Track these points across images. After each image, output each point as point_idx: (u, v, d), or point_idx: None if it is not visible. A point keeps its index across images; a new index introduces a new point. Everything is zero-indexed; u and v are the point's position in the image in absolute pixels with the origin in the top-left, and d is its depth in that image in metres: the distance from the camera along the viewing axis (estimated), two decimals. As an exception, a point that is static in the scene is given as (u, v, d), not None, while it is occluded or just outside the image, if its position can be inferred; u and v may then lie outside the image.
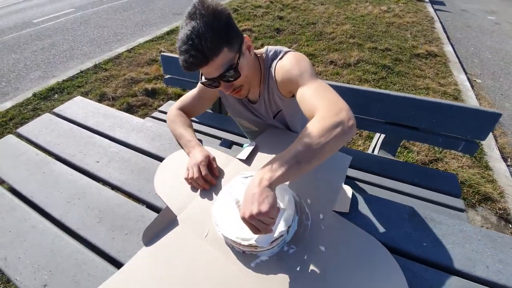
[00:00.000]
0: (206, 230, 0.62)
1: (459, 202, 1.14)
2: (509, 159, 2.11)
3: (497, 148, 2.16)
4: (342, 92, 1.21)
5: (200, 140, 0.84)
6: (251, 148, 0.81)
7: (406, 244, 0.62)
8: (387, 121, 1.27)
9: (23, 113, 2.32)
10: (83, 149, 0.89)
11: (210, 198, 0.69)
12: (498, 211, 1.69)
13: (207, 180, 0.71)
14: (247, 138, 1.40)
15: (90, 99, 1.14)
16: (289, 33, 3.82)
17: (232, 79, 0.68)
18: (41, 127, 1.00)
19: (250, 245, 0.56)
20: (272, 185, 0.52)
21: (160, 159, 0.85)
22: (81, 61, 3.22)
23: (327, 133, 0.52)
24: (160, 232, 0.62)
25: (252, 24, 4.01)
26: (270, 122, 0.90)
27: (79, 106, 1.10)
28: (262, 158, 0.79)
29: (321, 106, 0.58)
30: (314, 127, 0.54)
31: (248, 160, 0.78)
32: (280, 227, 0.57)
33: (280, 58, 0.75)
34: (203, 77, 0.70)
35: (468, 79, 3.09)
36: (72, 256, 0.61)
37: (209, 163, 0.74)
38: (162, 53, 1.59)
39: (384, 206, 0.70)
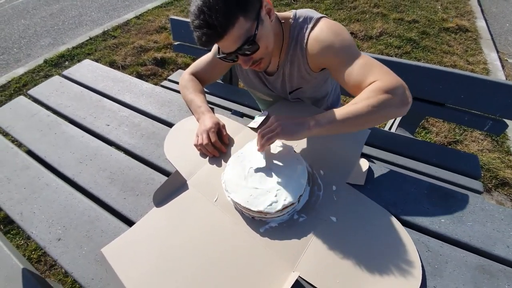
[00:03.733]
0: (216, 195, 0.62)
1: (477, 184, 1.09)
2: (535, 145, 1.98)
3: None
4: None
5: (212, 108, 0.80)
6: (263, 117, 0.78)
7: (422, 219, 0.59)
8: (409, 95, 1.19)
9: (35, 80, 2.33)
10: (93, 112, 0.88)
11: (220, 164, 0.68)
12: (514, 196, 1.63)
13: (217, 147, 0.69)
14: (258, 109, 1.35)
15: (88, 59, 1.10)
16: (307, 1, 3.53)
17: (250, 53, 0.60)
18: (51, 89, 0.99)
19: (259, 211, 0.55)
20: (311, 130, 0.56)
21: (170, 125, 0.83)
22: (90, 28, 3.14)
23: (379, 108, 0.53)
24: (170, 194, 0.62)
25: (267, -9, 3.73)
26: (283, 96, 0.84)
27: (88, 70, 1.08)
28: None
29: (376, 78, 0.57)
30: (369, 100, 0.54)
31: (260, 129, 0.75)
32: (291, 196, 0.56)
33: (312, 27, 0.65)
34: (220, 51, 0.63)
35: (500, 58, 2.83)
36: (85, 213, 0.62)
37: (219, 130, 0.71)
38: (171, 17, 1.50)
39: (403, 181, 0.66)
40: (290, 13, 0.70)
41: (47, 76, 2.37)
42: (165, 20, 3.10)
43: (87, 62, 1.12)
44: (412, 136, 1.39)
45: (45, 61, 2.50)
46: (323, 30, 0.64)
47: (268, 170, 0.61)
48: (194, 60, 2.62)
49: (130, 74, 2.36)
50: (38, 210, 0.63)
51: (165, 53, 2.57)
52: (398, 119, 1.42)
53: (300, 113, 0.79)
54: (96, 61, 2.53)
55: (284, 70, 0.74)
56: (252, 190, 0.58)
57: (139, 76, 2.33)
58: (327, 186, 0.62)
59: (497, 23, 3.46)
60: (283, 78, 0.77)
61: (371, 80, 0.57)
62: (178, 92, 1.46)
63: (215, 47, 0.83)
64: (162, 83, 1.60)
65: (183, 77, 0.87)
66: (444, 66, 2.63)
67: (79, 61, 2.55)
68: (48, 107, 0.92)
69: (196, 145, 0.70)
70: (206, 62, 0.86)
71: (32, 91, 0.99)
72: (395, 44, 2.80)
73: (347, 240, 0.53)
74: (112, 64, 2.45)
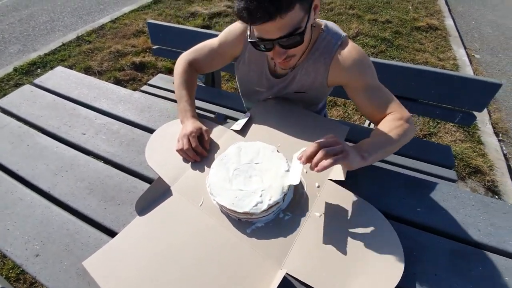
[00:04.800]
0: (201, 199, 0.61)
1: (451, 173, 1.16)
2: (500, 134, 2.14)
3: (490, 123, 2.18)
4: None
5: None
6: (246, 119, 0.78)
7: (400, 209, 0.63)
8: (385, 93, 1.24)
9: (4, 89, 2.20)
10: (68, 121, 0.85)
11: (203, 169, 0.68)
12: (486, 183, 1.74)
13: (198, 152, 0.68)
14: (242, 111, 1.36)
15: (61, 66, 1.06)
16: (285, 3, 3.60)
17: (292, 45, 0.57)
18: (22, 98, 0.94)
19: (245, 213, 0.55)
20: (364, 162, 0.56)
21: (150, 130, 0.81)
22: (63, 33, 3.00)
23: (403, 137, 0.61)
24: (153, 202, 0.61)
25: (246, -7, 3.75)
26: (287, 94, 0.82)
27: (61, 77, 1.03)
28: (257, 129, 0.76)
29: (398, 112, 0.65)
30: (397, 130, 0.61)
31: (243, 131, 0.76)
32: (276, 195, 0.57)
33: (341, 44, 0.67)
34: (252, 35, 0.58)
35: (467, 54, 3.02)
36: (64, 227, 0.60)
37: (201, 134, 0.70)
38: (148, 21, 1.47)
39: (382, 174, 0.69)
40: (321, 21, 0.69)
41: (17, 85, 2.24)
42: (142, 23, 3.04)
43: (59, 69, 1.07)
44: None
45: (15, 69, 2.36)
46: (355, 49, 0.67)
47: (251, 170, 0.62)
48: (174, 63, 2.58)
49: (107, 80, 2.29)
50: (12, 226, 0.60)
51: (143, 57, 2.52)
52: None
53: (279, 113, 0.81)
54: (71, 67, 2.43)
55: (295, 75, 0.73)
56: (237, 192, 0.58)
57: (117, 81, 2.26)
58: (310, 183, 0.63)
59: (464, 21, 3.70)
60: (289, 83, 0.76)
61: (391, 111, 0.66)
62: (159, 96, 1.45)
63: (222, 36, 0.78)
64: (142, 88, 1.57)
65: (180, 62, 0.81)
66: (417, 63, 2.78)
67: (52, 68, 2.43)
68: (19, 118, 0.87)
69: (177, 150, 0.69)
70: (208, 50, 0.80)
71: (1, 102, 0.94)
72: (371, 43, 2.92)
73: (332, 234, 0.55)
74: (88, 70, 2.36)
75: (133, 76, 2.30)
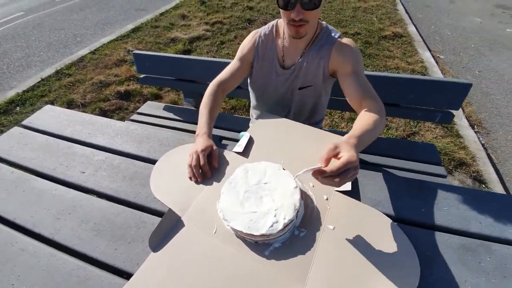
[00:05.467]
0: (214, 226, 0.61)
1: (440, 169, 1.22)
2: (475, 126, 2.30)
3: (465, 117, 2.34)
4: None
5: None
6: (246, 139, 0.81)
7: (406, 212, 0.66)
8: (369, 100, 1.32)
9: (-19, 131, 2.09)
10: (64, 161, 0.82)
11: (212, 194, 0.68)
12: (472, 174, 1.85)
13: (203, 171, 0.71)
14: (235, 131, 1.38)
15: (49, 105, 1.04)
16: (261, 23, 3.77)
17: (311, 7, 0.72)
18: (11, 142, 0.90)
19: (262, 235, 0.56)
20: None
21: (152, 161, 0.81)
22: (41, 68, 2.94)
23: (378, 132, 0.69)
24: (166, 235, 0.60)
25: (222, 16, 3.91)
26: (290, 94, 0.94)
27: (50, 116, 1.01)
28: (258, 148, 0.79)
29: (375, 100, 0.76)
30: (377, 119, 0.69)
31: (245, 152, 0.77)
32: (290, 213, 0.58)
33: (339, 37, 0.84)
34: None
35: (432, 56, 3.28)
36: (73, 274, 0.57)
37: (210, 152, 0.73)
38: (134, 51, 1.49)
39: (382, 179, 0.73)
40: (321, 22, 0.87)
41: (-6, 126, 2.13)
42: (123, 52, 3.05)
43: (48, 108, 1.05)
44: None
45: (-9, 110, 2.27)
46: (351, 42, 0.84)
47: (261, 191, 0.63)
48: (160, 89, 2.59)
49: (92, 111, 2.25)
50: (16, 280, 0.56)
51: (128, 85, 2.51)
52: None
53: (278, 131, 0.84)
54: (52, 102, 2.37)
55: (301, 65, 0.87)
56: (250, 214, 0.59)
57: (103, 112, 2.23)
58: (319, 196, 0.65)
59: (424, 26, 4.04)
60: (297, 73, 0.89)
61: (370, 97, 0.76)
62: (153, 124, 1.45)
63: (239, 52, 0.95)
64: (132, 117, 1.55)
65: (210, 85, 0.91)
66: (389, 69, 2.98)
67: (31, 104, 2.36)
68: (10, 163, 0.83)
69: (189, 165, 0.72)
70: (230, 68, 0.95)
71: (-13, 148, 0.90)
72: (346, 54, 3.10)
73: (348, 246, 0.56)
74: (71, 104, 2.31)
75: (119, 105, 2.28)
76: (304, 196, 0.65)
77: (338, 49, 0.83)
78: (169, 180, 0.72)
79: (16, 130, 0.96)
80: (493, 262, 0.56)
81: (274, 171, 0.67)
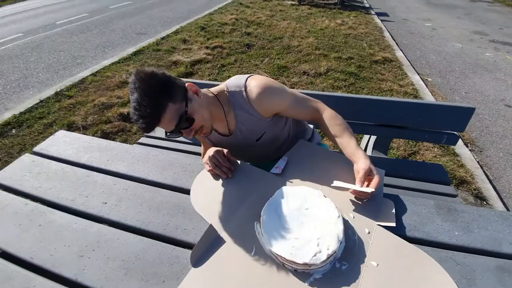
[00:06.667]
0: (252, 248, 0.60)
1: (450, 189, 1.24)
2: (469, 145, 2.39)
3: (459, 136, 2.44)
4: (341, 101, 1.28)
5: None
6: (285, 162, 0.81)
7: (442, 236, 0.66)
8: (377, 123, 1.36)
9: (-27, 155, 1.98)
10: (83, 190, 0.78)
11: (251, 214, 0.67)
12: (473, 191, 1.88)
13: (227, 168, 0.77)
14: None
15: (56, 130, 1.01)
16: (259, 48, 3.94)
17: (188, 126, 0.72)
18: (23, 170, 0.85)
19: (304, 263, 0.53)
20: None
21: (178, 189, 0.78)
22: (39, 90, 2.90)
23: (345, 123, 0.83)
24: (207, 251, 0.60)
25: (222, 41, 4.05)
26: (252, 145, 0.90)
27: (65, 142, 0.97)
28: (296, 170, 0.78)
29: (320, 106, 0.85)
30: (340, 119, 0.83)
31: (283, 175, 0.77)
32: (333, 244, 0.56)
33: (245, 88, 0.80)
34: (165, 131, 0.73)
35: (421, 78, 3.48)
36: (104, 322, 0.51)
37: (222, 153, 0.79)
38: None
39: (411, 204, 0.73)
40: (222, 86, 0.84)
41: (-12, 149, 2.03)
42: (125, 75, 3.07)
43: (61, 134, 1.01)
44: (386, 156, 1.56)
45: (-15, 132, 2.17)
46: (258, 86, 0.79)
47: (302, 217, 0.62)
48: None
49: (94, 134, 2.20)
50: (39, 334, 0.50)
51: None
52: (371, 144, 1.59)
53: (315, 154, 0.85)
54: (51, 124, 2.31)
55: (241, 128, 0.85)
56: (293, 241, 0.57)
57: (105, 134, 2.18)
58: (360, 229, 0.63)
59: (410, 51, 4.33)
60: (242, 134, 0.87)
61: (320, 108, 0.85)
62: (168, 149, 1.41)
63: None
64: (140, 140, 1.52)
65: None
66: (383, 91, 3.11)
67: (29, 127, 2.29)
68: (23, 194, 0.78)
69: (209, 171, 0.79)
70: (204, 147, 0.99)
71: (-3, 177, 0.84)
72: (341, 77, 3.25)
73: (392, 286, 0.53)
74: (71, 126, 2.25)
75: (122, 127, 2.24)
76: (345, 227, 0.64)
77: (256, 102, 0.79)
78: (209, 195, 0.72)
79: (27, 157, 0.91)
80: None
81: (315, 197, 0.66)
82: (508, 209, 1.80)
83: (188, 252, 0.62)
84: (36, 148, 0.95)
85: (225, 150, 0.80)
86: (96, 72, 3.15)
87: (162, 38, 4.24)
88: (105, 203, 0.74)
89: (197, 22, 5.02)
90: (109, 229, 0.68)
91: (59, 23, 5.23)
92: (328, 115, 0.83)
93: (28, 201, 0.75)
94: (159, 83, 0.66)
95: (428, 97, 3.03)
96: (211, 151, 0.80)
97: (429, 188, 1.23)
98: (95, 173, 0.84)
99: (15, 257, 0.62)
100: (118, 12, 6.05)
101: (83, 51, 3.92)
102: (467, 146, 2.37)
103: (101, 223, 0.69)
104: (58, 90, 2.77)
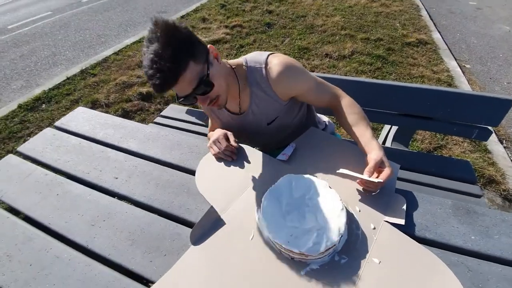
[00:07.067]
0: (251, 232, 0.60)
1: (475, 189, 1.15)
2: (504, 141, 2.18)
3: (493, 131, 2.22)
4: (360, 86, 1.19)
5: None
6: (292, 149, 0.78)
7: (455, 239, 0.61)
8: (400, 112, 1.26)
9: (9, 127, 2.16)
10: (98, 165, 0.82)
11: (253, 198, 0.67)
12: (502, 192, 1.74)
13: (230, 152, 0.76)
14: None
15: (81, 106, 1.04)
16: (280, 27, 3.76)
17: (207, 91, 0.65)
18: (44, 143, 0.91)
19: (301, 253, 0.53)
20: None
21: (184, 169, 0.79)
22: (66, 67, 3.04)
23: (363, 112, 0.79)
24: (207, 231, 0.61)
25: (242, 20, 3.92)
26: (261, 129, 0.86)
27: (83, 118, 1.02)
28: (304, 159, 0.76)
29: (339, 93, 0.81)
30: (358, 108, 0.78)
31: (289, 162, 0.75)
32: (333, 237, 0.54)
33: (266, 65, 0.74)
34: (178, 96, 0.66)
35: (458, 65, 3.15)
36: (109, 286, 0.55)
37: (226, 137, 0.78)
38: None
39: (426, 202, 0.68)
40: (241, 60, 0.78)
41: (22, 122, 2.21)
42: (145, 54, 3.11)
43: (81, 110, 1.06)
44: (407, 149, 1.46)
45: (20, 106, 2.35)
46: (280, 64, 0.73)
47: (304, 206, 0.60)
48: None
49: (115, 112, 2.29)
50: (52, 291, 0.55)
51: (150, 87, 2.54)
52: (392, 134, 1.49)
53: (324, 143, 0.81)
54: (77, 101, 2.43)
55: (253, 108, 0.80)
56: (292, 229, 0.56)
57: (125, 112, 2.26)
58: (365, 224, 0.61)
59: (450, 33, 3.90)
60: (255, 115, 0.82)
61: (339, 94, 0.81)
62: (181, 129, 1.44)
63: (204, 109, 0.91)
64: (156, 120, 1.56)
65: None
66: (413, 77, 2.87)
67: (57, 102, 2.44)
68: (44, 165, 0.84)
69: (213, 155, 0.78)
70: (211, 121, 0.95)
71: (22, 148, 0.91)
72: (367, 61, 3.03)
73: (393, 286, 0.51)
74: (95, 103, 2.36)
75: (141, 106, 2.31)
76: (349, 220, 0.61)
77: (276, 81, 0.74)
78: (213, 178, 0.73)
79: (49, 131, 0.97)
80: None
81: (320, 188, 0.63)
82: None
83: (189, 230, 0.64)
84: (57, 123, 1.00)
85: (230, 133, 0.79)
86: (118, 51, 3.22)
87: (182, 17, 4.19)
88: (116, 178, 0.78)
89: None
90: (119, 202, 0.71)
91: (84, 1, 5.34)
92: (347, 102, 0.78)
93: (48, 171, 0.81)
94: (183, 37, 0.59)
95: (463, 86, 2.75)
96: (216, 134, 0.79)
97: (451, 186, 1.14)
98: (108, 149, 0.88)
99: (36, 221, 0.68)
100: (140, -10, 6.02)
101: (107, 29, 4.00)
102: (501, 143, 2.15)
103: (112, 196, 0.73)
104: (84, 68, 2.88)
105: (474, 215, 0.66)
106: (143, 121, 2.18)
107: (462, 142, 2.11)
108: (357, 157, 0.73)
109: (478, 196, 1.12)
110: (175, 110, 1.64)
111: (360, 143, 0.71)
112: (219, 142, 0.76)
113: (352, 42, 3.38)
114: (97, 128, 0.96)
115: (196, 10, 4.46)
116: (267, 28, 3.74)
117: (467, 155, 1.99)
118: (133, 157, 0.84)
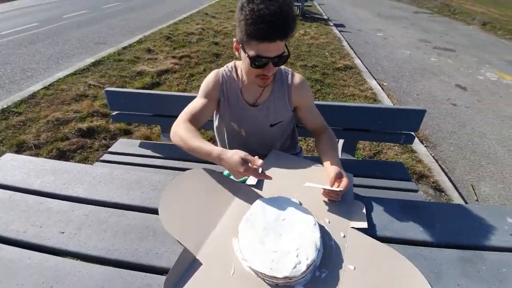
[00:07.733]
0: (231, 266, 0.57)
1: (412, 185, 1.36)
2: (424, 141, 2.65)
3: (415, 135, 2.70)
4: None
5: None
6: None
7: (409, 232, 0.70)
8: (345, 127, 1.45)
9: None
10: (36, 220, 0.70)
11: (228, 230, 0.65)
12: (432, 184, 2.08)
13: (258, 174, 0.70)
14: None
15: (3, 152, 0.90)
16: (228, 57, 3.97)
17: (281, 63, 0.76)
18: (-42, 203, 0.74)
19: (285, 277, 0.54)
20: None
21: (147, 210, 0.73)
22: (-21, 108, 2.56)
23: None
24: (183, 275, 0.56)
25: (190, 50, 4.01)
26: (263, 129, 0.94)
27: (13, 166, 0.87)
28: (272, 181, 0.77)
29: (325, 124, 0.98)
30: (335, 141, 0.93)
31: (259, 185, 0.77)
32: (312, 253, 0.57)
33: (292, 73, 0.92)
34: (255, 59, 0.73)
35: (378, 83, 3.79)
36: None
37: (246, 159, 0.69)
38: (107, 89, 1.42)
39: (379, 203, 0.78)
40: None
41: None
42: (84, 87, 2.85)
43: (9, 157, 0.90)
44: (354, 158, 1.66)
45: None
46: (302, 78, 0.92)
47: (279, 228, 0.62)
48: (129, 124, 2.42)
49: (48, 153, 1.99)
50: None
51: (91, 121, 2.31)
52: (340, 147, 1.68)
53: (289, 165, 0.85)
54: (-4, 145, 2.04)
55: (269, 104, 0.91)
56: (271, 254, 0.57)
57: (62, 153, 1.99)
58: (336, 234, 0.65)
59: (367, 59, 4.70)
60: (267, 111, 0.91)
61: (323, 124, 0.97)
62: (135, 165, 1.32)
63: (203, 88, 0.92)
64: (103, 158, 1.41)
65: (178, 126, 0.83)
66: (346, 96, 3.32)
67: (-33, 151, 1.99)
68: (-41, 231, 0.67)
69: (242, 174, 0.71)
70: (198, 104, 0.90)
71: None
72: (308, 84, 3.36)
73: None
74: (21, 146, 2.02)
75: (81, 144, 2.07)
76: (322, 233, 0.65)
77: (297, 87, 0.90)
78: (181, 213, 0.68)
79: (-35, 187, 0.79)
80: (489, 269, 0.62)
81: (291, 207, 0.66)
82: (463, 198, 2.01)
83: (162, 278, 0.58)
84: (-24, 176, 0.83)
85: (243, 154, 0.70)
86: (49, 85, 2.88)
87: (124, 48, 4.06)
88: (63, 232, 0.67)
89: (161, 31, 4.91)
90: (68, 262, 0.61)
91: (3, 34, 4.72)
92: (330, 134, 0.94)
93: (-34, 238, 0.65)
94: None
95: (385, 100, 3.30)
96: (235, 158, 0.69)
97: (393, 185, 1.32)
98: (49, 199, 0.75)
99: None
100: (72, 22, 5.67)
101: (33, 63, 3.57)
102: (422, 143, 2.61)
103: (58, 255, 0.62)
104: (5, 106, 2.47)
105: (417, 209, 0.78)
106: (85, 160, 1.95)
107: (393, 146, 2.49)
108: (319, 171, 0.81)
109: (416, 191, 1.32)
110: (125, 144, 1.51)
111: (326, 162, 0.81)
112: (245, 171, 0.68)
113: (293, 69, 3.77)
114: (31, 177, 0.83)
115: (139, 42, 4.39)
116: (215, 58, 3.89)
117: (399, 157, 2.34)
118: (81, 204, 0.74)
